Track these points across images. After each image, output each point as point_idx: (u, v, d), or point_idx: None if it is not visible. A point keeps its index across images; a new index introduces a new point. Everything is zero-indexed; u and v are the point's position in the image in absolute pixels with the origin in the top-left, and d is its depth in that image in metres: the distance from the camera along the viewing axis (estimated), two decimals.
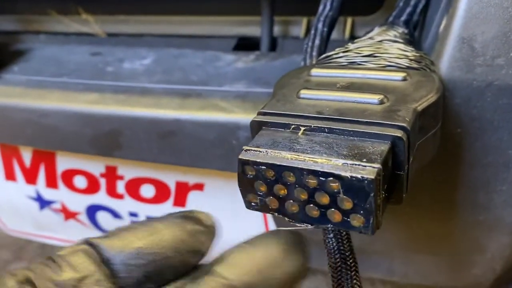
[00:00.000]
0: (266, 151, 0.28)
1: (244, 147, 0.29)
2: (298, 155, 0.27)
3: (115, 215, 0.70)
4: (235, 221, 0.64)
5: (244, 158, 0.28)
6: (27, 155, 0.67)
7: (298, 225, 0.29)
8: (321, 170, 0.26)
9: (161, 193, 0.64)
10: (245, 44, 0.66)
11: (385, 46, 0.36)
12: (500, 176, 0.40)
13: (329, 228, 0.33)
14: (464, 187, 0.41)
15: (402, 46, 0.36)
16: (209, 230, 0.29)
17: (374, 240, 0.51)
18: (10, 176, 0.71)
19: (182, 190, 0.63)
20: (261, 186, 0.28)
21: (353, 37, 0.63)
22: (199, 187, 0.62)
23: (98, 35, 0.73)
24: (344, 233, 0.33)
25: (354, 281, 0.32)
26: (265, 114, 0.32)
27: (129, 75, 0.54)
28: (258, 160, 0.28)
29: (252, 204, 0.30)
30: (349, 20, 0.63)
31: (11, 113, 0.51)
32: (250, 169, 0.28)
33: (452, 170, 0.40)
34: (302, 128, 0.29)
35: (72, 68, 0.57)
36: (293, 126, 0.30)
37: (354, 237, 0.34)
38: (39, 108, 0.50)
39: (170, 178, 0.62)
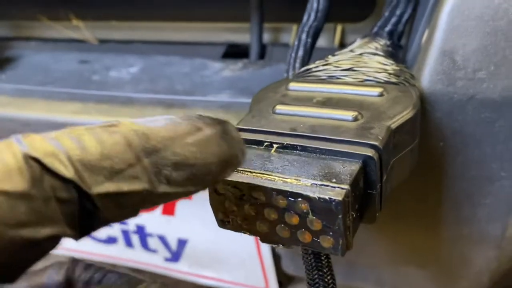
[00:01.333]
0: (237, 169, 0.28)
1: None
2: (268, 174, 0.27)
3: None
4: (225, 231, 0.63)
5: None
6: None
7: (270, 244, 0.28)
8: (290, 190, 0.25)
9: None
10: (235, 51, 0.65)
11: (365, 59, 0.36)
12: (484, 190, 0.39)
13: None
14: (448, 201, 0.40)
15: (382, 59, 0.36)
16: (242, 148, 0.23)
17: (362, 252, 0.51)
18: None
19: None
20: (232, 205, 0.28)
21: (342, 45, 0.63)
22: None
23: (89, 41, 0.72)
24: None
25: None
26: (240, 130, 0.31)
27: (115, 84, 0.53)
28: (228, 179, 0.27)
29: (225, 223, 0.29)
30: (339, 27, 0.63)
31: None
32: (221, 188, 0.28)
33: (435, 184, 0.39)
34: (275, 146, 0.29)
35: (58, 77, 0.56)
36: (266, 143, 0.29)
37: None
38: (22, 117, 0.49)
39: None
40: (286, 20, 0.66)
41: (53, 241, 0.17)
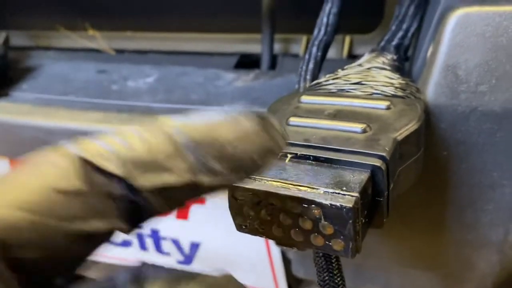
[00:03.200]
0: (255, 177, 0.30)
1: None
2: (283, 182, 0.29)
3: None
4: (237, 234, 0.66)
5: (234, 184, 0.30)
6: None
7: (285, 247, 0.30)
8: (304, 197, 0.28)
9: None
10: (246, 61, 0.68)
11: (373, 74, 0.38)
12: (485, 196, 0.41)
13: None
14: (451, 206, 0.42)
15: (389, 73, 0.38)
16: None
17: (369, 255, 0.53)
18: None
19: None
20: (250, 211, 0.30)
21: (351, 56, 0.65)
22: (201, 200, 0.64)
23: (105, 51, 0.75)
24: None
25: None
26: None
27: (133, 93, 0.56)
28: (246, 186, 0.29)
29: (242, 226, 0.31)
30: (347, 39, 0.65)
31: (19, 130, 0.54)
32: (240, 194, 0.30)
33: (439, 190, 0.41)
34: (289, 156, 0.31)
35: (78, 86, 0.59)
36: (280, 153, 0.31)
37: None
38: (46, 126, 0.52)
39: None
40: (296, 31, 0.68)
41: (106, 234, 0.19)
